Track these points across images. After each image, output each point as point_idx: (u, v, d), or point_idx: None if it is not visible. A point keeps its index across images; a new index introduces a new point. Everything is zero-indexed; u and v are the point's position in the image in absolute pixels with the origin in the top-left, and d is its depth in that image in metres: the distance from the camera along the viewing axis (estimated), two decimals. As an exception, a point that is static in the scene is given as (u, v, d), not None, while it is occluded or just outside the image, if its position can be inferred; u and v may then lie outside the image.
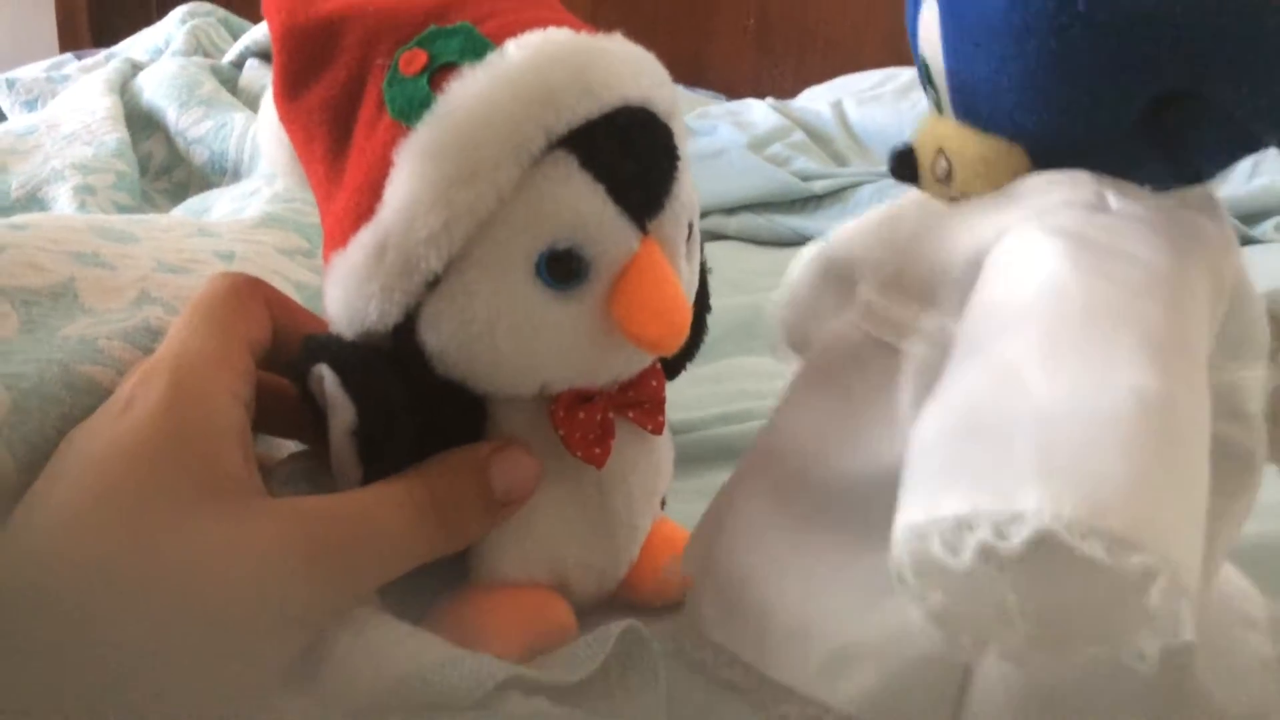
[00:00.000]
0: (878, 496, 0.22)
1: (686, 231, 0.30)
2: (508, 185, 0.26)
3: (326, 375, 0.28)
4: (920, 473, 0.20)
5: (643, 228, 0.28)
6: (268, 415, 0.30)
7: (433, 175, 0.26)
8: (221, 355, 0.28)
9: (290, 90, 0.30)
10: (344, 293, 0.28)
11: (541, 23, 0.28)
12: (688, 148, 0.30)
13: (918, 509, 0.19)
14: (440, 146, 0.26)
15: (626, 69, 0.28)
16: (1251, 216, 0.93)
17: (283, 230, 0.46)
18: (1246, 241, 0.91)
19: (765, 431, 0.30)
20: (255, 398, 0.29)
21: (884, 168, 1.04)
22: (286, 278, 0.43)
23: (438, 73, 0.27)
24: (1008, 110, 0.24)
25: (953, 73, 0.26)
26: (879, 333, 0.27)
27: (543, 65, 0.27)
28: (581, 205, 0.27)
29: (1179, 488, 0.19)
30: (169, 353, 0.28)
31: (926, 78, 0.27)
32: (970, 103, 0.26)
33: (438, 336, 0.28)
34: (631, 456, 0.32)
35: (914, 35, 0.27)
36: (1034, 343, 0.20)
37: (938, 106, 0.27)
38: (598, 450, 0.30)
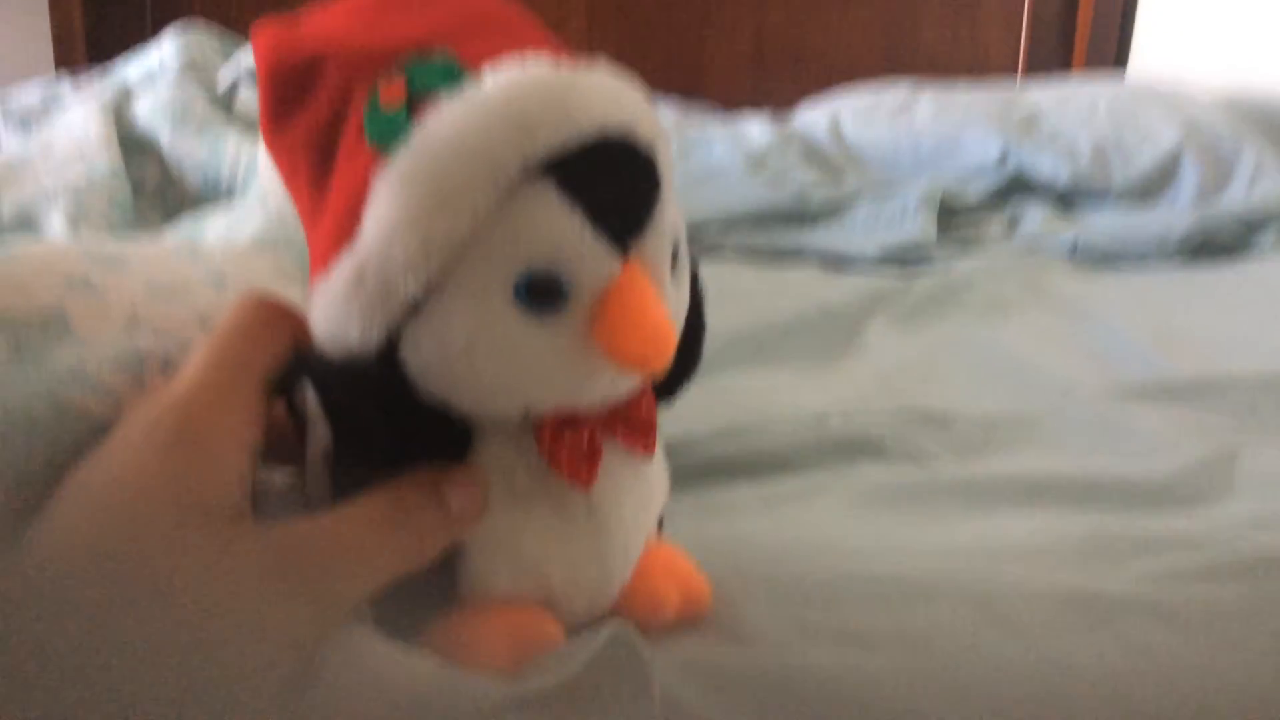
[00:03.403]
0: None
1: (671, 255, 0.30)
2: (484, 210, 0.26)
3: (309, 395, 0.28)
4: None
5: (623, 252, 0.28)
6: (277, 445, 0.31)
7: (409, 201, 0.26)
8: (233, 399, 0.28)
9: (276, 123, 0.30)
10: (327, 317, 0.28)
11: (521, 53, 0.28)
12: (676, 170, 0.30)
13: None
14: (416, 173, 0.26)
15: (606, 97, 0.28)
16: (1251, 226, 0.93)
17: (275, 252, 0.46)
18: (1246, 249, 0.91)
19: None
20: (263, 436, 0.29)
21: (880, 181, 1.05)
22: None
23: (416, 101, 0.27)
24: None
25: None
26: None
27: (519, 92, 0.27)
28: (558, 230, 0.27)
29: None
30: (182, 393, 0.28)
31: None
32: None
33: (419, 360, 0.28)
34: (622, 478, 0.32)
35: None
36: None
37: None
38: (585, 473, 0.30)
